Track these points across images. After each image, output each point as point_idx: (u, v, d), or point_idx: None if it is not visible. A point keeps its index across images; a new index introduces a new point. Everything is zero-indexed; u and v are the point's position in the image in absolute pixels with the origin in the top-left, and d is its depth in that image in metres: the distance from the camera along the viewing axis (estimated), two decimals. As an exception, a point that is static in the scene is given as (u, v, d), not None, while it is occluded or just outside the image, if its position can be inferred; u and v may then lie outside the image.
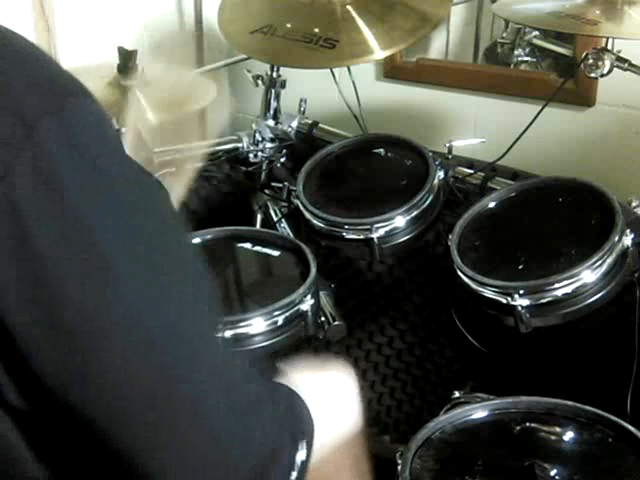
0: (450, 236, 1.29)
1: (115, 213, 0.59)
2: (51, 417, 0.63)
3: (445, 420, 1.10)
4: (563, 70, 1.81)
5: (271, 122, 1.77)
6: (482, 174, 1.50)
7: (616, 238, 1.15)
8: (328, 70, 1.72)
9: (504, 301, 1.16)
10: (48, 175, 0.57)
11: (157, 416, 0.61)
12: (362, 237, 1.34)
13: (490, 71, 1.94)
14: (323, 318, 1.38)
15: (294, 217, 1.55)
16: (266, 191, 1.75)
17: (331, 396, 0.97)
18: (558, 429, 1.07)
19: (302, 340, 1.33)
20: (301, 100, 1.75)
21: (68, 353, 0.59)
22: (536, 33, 1.90)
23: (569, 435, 1.06)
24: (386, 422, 1.75)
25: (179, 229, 0.67)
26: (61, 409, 0.61)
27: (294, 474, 0.73)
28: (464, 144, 1.49)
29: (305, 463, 0.75)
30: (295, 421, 0.76)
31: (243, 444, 0.64)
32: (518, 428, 1.08)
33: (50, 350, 0.59)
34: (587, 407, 1.07)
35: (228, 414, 0.64)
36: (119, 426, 0.61)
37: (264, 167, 1.77)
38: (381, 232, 1.33)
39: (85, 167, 0.58)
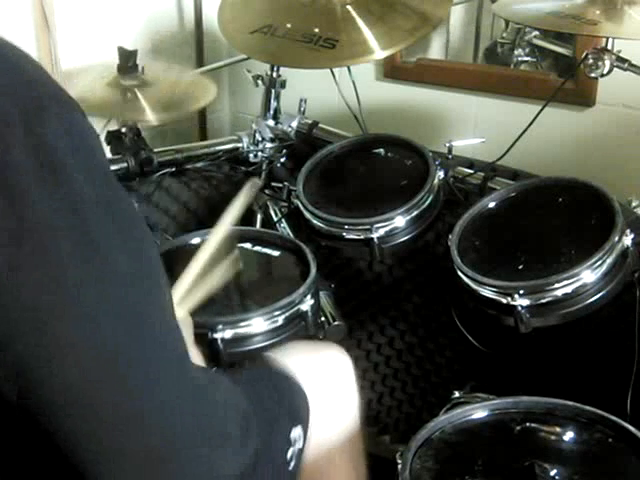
0: (450, 236, 1.29)
1: (76, 226, 0.59)
2: (9, 426, 0.62)
3: (445, 420, 1.09)
4: (563, 70, 1.81)
5: (271, 122, 1.77)
6: (482, 174, 1.49)
7: (616, 238, 1.15)
8: (328, 70, 1.72)
9: (504, 301, 1.16)
10: (10, 180, 0.56)
11: (108, 432, 0.59)
12: (362, 237, 1.33)
13: (490, 71, 1.94)
14: (323, 318, 1.38)
15: (294, 217, 1.55)
16: (266, 191, 1.75)
17: (326, 376, 0.97)
18: (558, 429, 1.07)
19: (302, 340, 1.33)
20: (301, 100, 1.75)
21: (23, 362, 0.58)
22: (536, 33, 1.90)
23: (569, 435, 1.06)
24: (386, 422, 1.75)
25: (147, 248, 0.65)
26: (18, 418, 0.60)
27: (290, 450, 0.73)
28: (464, 144, 1.49)
29: (301, 442, 0.75)
30: (289, 400, 0.76)
31: (200, 464, 0.62)
32: (518, 428, 1.08)
33: (6, 357, 0.58)
34: (587, 407, 1.07)
35: (184, 433, 0.61)
36: (70, 433, 0.59)
37: (264, 167, 1.77)
38: (381, 232, 1.33)
39: (49, 175, 0.58)
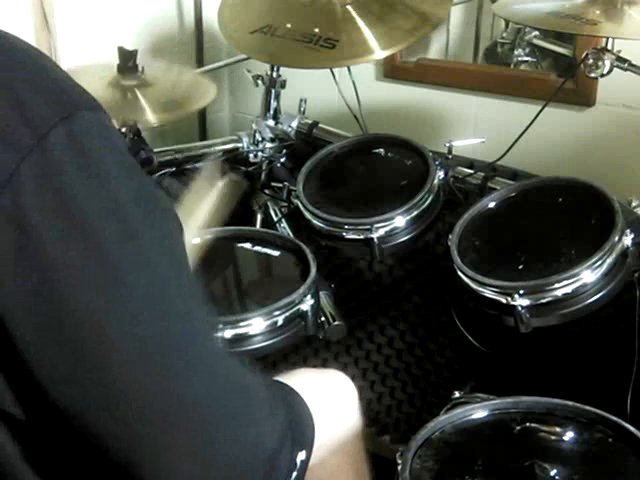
0: (450, 236, 1.28)
1: (120, 226, 0.60)
2: (48, 427, 0.63)
3: (445, 420, 1.10)
4: (563, 70, 1.81)
5: (271, 122, 1.77)
6: (482, 174, 1.49)
7: (616, 238, 1.15)
8: (328, 70, 1.72)
9: (504, 301, 1.16)
10: (55, 182, 0.58)
11: (155, 425, 0.61)
12: (362, 237, 1.33)
13: (490, 71, 1.94)
14: (323, 318, 1.38)
15: (294, 217, 1.55)
16: (266, 191, 1.75)
17: (330, 396, 0.97)
18: (558, 429, 1.07)
19: (302, 340, 1.33)
20: (301, 100, 1.75)
21: (69, 362, 0.59)
22: (536, 33, 1.90)
23: (569, 435, 1.06)
24: (386, 422, 1.75)
25: (179, 244, 0.67)
26: (59, 418, 0.61)
27: (294, 474, 0.73)
28: (464, 144, 1.49)
29: (305, 463, 0.75)
30: (295, 421, 0.76)
31: (238, 444, 0.64)
32: (518, 428, 1.08)
33: (52, 359, 0.59)
34: (587, 407, 1.07)
35: (224, 418, 0.64)
36: (117, 435, 0.61)
37: (264, 167, 1.77)
38: (381, 232, 1.33)
39: (92, 177, 0.59)
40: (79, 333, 0.58)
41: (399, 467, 1.01)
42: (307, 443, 0.77)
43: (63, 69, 0.66)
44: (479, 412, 1.11)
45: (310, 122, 1.76)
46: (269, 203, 1.73)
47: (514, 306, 1.15)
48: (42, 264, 0.57)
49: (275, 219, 1.70)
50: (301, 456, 0.74)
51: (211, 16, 2.11)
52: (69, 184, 0.58)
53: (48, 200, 0.57)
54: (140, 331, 0.60)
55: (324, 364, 1.73)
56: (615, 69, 1.32)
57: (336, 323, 1.39)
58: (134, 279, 0.60)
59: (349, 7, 1.56)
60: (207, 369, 0.64)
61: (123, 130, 1.60)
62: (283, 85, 1.74)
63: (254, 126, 1.77)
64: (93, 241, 0.58)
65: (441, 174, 1.40)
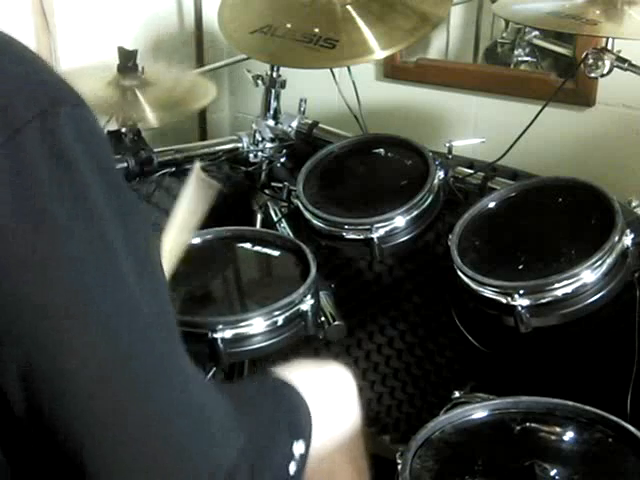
0: (450, 236, 1.29)
1: (87, 224, 0.59)
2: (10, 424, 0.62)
3: (445, 420, 1.10)
4: (563, 70, 1.81)
5: (271, 122, 1.77)
6: (482, 174, 1.49)
7: (616, 238, 1.15)
8: (328, 70, 1.72)
9: (504, 301, 1.16)
10: (26, 178, 0.56)
11: (103, 436, 0.59)
12: (362, 237, 1.33)
13: (490, 71, 1.94)
14: (323, 318, 1.38)
15: (294, 217, 1.55)
16: (266, 191, 1.75)
17: (330, 391, 0.97)
18: (558, 429, 1.07)
19: (302, 340, 1.33)
20: (301, 100, 1.75)
21: (31, 359, 0.57)
22: (536, 33, 1.90)
23: (569, 435, 1.06)
24: (386, 422, 1.75)
25: (149, 248, 0.65)
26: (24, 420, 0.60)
27: (293, 466, 0.73)
28: (464, 144, 1.49)
29: (304, 456, 0.75)
30: (290, 411, 0.76)
31: (190, 461, 0.62)
32: (518, 428, 1.08)
33: (15, 353, 0.57)
34: (587, 407, 1.07)
35: (177, 435, 0.62)
36: (78, 431, 0.59)
37: (264, 167, 1.77)
38: (381, 232, 1.33)
39: (64, 177, 0.58)
40: (42, 334, 0.57)
41: (399, 467, 1.01)
42: (303, 434, 0.77)
43: (48, 63, 0.64)
44: (479, 412, 1.11)
45: (310, 122, 1.76)
46: (269, 203, 1.73)
47: (514, 306, 1.15)
48: (6, 263, 0.56)
49: (275, 219, 1.70)
50: (299, 448, 0.74)
51: (211, 16, 2.11)
52: (39, 182, 0.57)
53: (16, 197, 0.56)
54: (107, 335, 0.58)
55: (324, 364, 1.73)
56: (615, 69, 1.32)
57: (336, 323, 1.39)
58: (99, 281, 0.59)
59: (349, 7, 1.56)
60: (166, 383, 0.62)
61: (123, 130, 1.60)
62: (283, 85, 1.74)
63: (254, 126, 1.77)
64: (59, 244, 0.57)
65: (441, 174, 1.40)
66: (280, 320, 1.25)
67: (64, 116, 0.59)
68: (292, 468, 0.73)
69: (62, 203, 0.57)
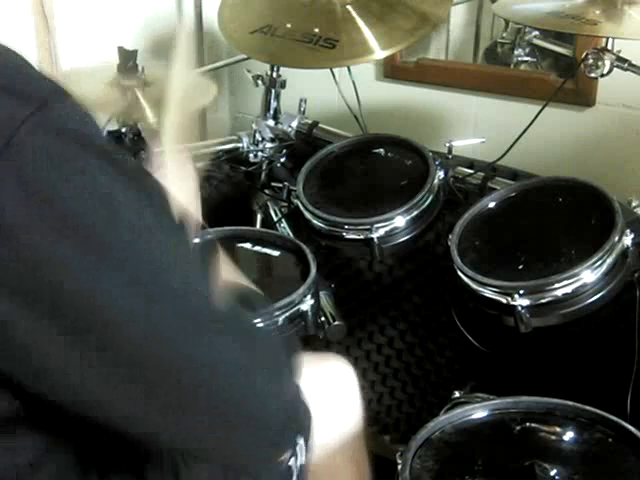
0: (450, 236, 1.28)
1: (105, 207, 0.58)
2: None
3: (445, 420, 1.10)
4: (563, 70, 1.81)
5: (271, 122, 1.77)
6: (482, 174, 1.49)
7: (616, 238, 1.15)
8: (328, 70, 1.72)
9: (504, 301, 1.16)
10: (30, 183, 0.56)
11: (173, 392, 0.61)
12: (362, 237, 1.33)
13: (490, 71, 1.94)
14: (323, 318, 1.38)
15: (294, 217, 1.55)
16: (266, 191, 1.75)
17: (331, 391, 0.97)
18: (558, 429, 1.07)
19: (302, 340, 1.33)
20: (301, 100, 1.75)
21: (76, 351, 0.58)
22: (536, 33, 1.90)
23: (569, 435, 1.06)
24: (386, 422, 1.75)
25: (173, 228, 0.66)
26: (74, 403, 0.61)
27: (292, 460, 0.73)
28: (464, 144, 1.49)
29: (304, 472, 0.75)
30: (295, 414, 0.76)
31: (256, 397, 0.66)
32: (518, 428, 1.08)
33: (55, 352, 0.58)
34: (587, 407, 1.07)
35: (239, 375, 0.65)
36: (137, 411, 0.61)
37: (264, 167, 1.77)
38: (381, 232, 1.33)
39: (68, 174, 0.57)
40: (77, 312, 0.57)
41: (399, 467, 1.01)
42: (305, 431, 0.77)
43: (32, 66, 0.62)
44: (479, 412, 1.11)
45: (310, 122, 1.76)
46: (269, 203, 1.73)
47: (514, 306, 1.15)
48: (34, 259, 0.56)
49: (275, 219, 1.70)
50: (299, 443, 0.75)
51: (211, 16, 2.11)
52: (46, 185, 0.56)
53: (25, 202, 0.55)
54: (143, 308, 0.59)
55: (324, 364, 1.73)
56: (615, 69, 1.32)
57: (336, 323, 1.39)
58: (129, 258, 0.59)
59: (349, 7, 1.56)
60: (216, 328, 0.64)
61: (123, 130, 1.60)
62: (283, 85, 1.75)
63: (254, 126, 1.77)
64: (79, 232, 0.57)
65: (441, 174, 1.40)
66: (280, 320, 1.25)
67: (57, 110, 0.58)
68: (292, 462, 0.74)
69: (75, 200, 0.57)
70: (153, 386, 0.60)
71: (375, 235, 1.32)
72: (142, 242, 0.60)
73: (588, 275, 1.14)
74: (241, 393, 0.64)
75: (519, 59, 1.93)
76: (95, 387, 0.60)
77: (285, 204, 1.66)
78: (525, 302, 1.15)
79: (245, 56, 1.77)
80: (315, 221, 1.39)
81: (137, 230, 0.60)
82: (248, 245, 1.45)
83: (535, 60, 1.93)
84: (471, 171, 1.51)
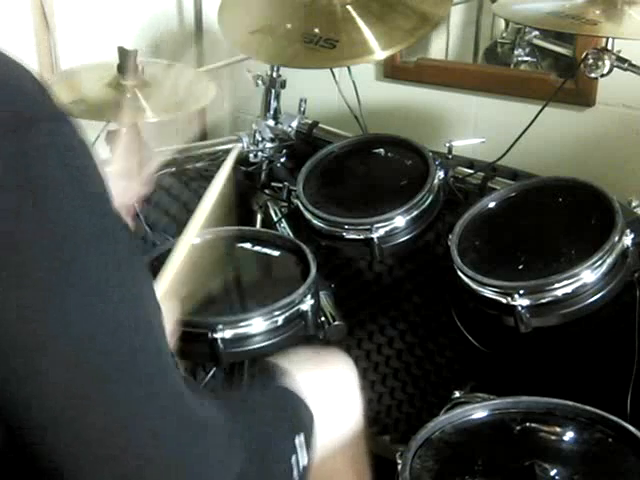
0: (450, 236, 1.29)
1: (57, 245, 0.56)
2: None
3: (445, 420, 1.10)
4: (563, 70, 1.81)
5: (271, 122, 1.77)
6: (482, 174, 1.50)
7: (616, 238, 1.15)
8: (328, 70, 1.72)
9: (504, 301, 1.16)
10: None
11: (96, 454, 0.58)
12: (362, 237, 1.34)
13: (490, 71, 1.94)
14: (323, 318, 1.38)
15: (294, 217, 1.55)
16: (266, 191, 1.75)
17: (331, 392, 0.97)
18: (558, 429, 1.07)
19: (302, 340, 1.33)
20: (301, 100, 1.75)
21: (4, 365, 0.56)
22: (536, 33, 1.90)
23: (569, 435, 1.06)
24: (386, 422, 1.75)
25: (133, 266, 0.62)
26: None
27: (295, 473, 0.73)
28: (464, 144, 1.49)
29: (306, 468, 0.75)
30: (294, 419, 0.76)
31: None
32: (518, 428, 1.08)
33: None
34: (587, 407, 1.08)
35: (174, 454, 0.60)
36: (52, 441, 0.57)
37: (264, 167, 1.77)
38: (381, 232, 1.33)
39: (39, 198, 0.55)
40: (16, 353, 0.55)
41: (399, 467, 1.01)
42: (307, 442, 0.77)
43: (27, 70, 0.60)
44: (479, 412, 1.11)
45: (310, 122, 1.76)
46: (269, 203, 1.73)
47: (514, 306, 1.15)
48: None
49: (275, 219, 1.70)
50: (302, 460, 0.74)
51: (211, 16, 2.11)
52: (10, 200, 0.54)
53: None
54: (81, 349, 0.56)
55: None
56: (615, 69, 1.32)
57: (336, 323, 1.39)
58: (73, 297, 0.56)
59: (349, 7, 1.56)
60: (160, 403, 0.60)
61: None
62: (283, 85, 1.75)
63: (254, 126, 1.77)
64: (27, 266, 0.55)
65: (441, 174, 1.40)
66: (280, 320, 1.25)
67: (38, 132, 0.56)
68: (293, 460, 0.73)
69: (33, 222, 0.55)
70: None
71: (375, 235, 1.32)
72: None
73: (588, 275, 1.14)
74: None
75: (519, 59, 1.93)
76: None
77: (285, 204, 1.66)
78: (525, 302, 1.15)
79: (245, 56, 1.77)
80: (315, 221, 1.39)
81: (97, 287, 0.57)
82: (248, 245, 1.45)
83: (535, 60, 1.93)
84: (471, 171, 1.51)
